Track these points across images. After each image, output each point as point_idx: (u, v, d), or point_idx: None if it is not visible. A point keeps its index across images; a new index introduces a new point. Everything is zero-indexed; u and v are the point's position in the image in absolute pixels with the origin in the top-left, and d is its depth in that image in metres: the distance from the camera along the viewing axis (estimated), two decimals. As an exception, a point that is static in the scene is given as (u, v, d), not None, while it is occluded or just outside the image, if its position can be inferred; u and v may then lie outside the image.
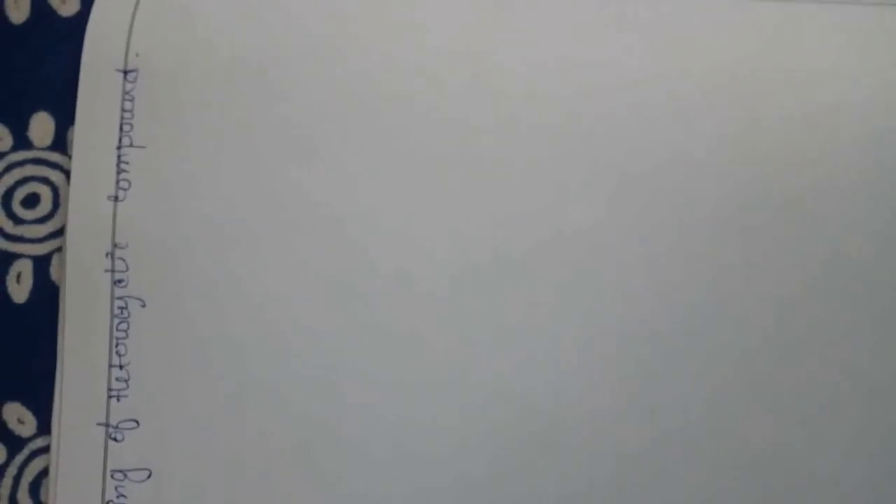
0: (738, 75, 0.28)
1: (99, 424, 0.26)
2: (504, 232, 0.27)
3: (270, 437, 0.26)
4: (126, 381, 0.26)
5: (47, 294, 0.27)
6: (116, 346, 0.26)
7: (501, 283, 0.27)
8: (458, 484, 0.26)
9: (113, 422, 0.26)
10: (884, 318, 0.27)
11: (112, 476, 0.26)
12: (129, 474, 0.26)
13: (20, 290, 0.27)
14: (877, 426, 0.27)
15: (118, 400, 0.26)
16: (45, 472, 0.27)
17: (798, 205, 0.27)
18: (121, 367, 0.26)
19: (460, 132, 0.27)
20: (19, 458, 0.27)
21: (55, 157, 0.28)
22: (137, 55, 0.27)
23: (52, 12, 0.29)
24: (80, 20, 0.28)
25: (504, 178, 0.27)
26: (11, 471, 0.27)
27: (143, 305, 0.26)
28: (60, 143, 0.28)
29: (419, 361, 0.26)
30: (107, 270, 0.27)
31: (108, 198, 0.27)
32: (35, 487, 0.27)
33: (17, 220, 0.28)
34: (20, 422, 0.27)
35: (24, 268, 0.27)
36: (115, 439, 0.26)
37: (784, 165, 0.27)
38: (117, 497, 0.26)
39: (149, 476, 0.26)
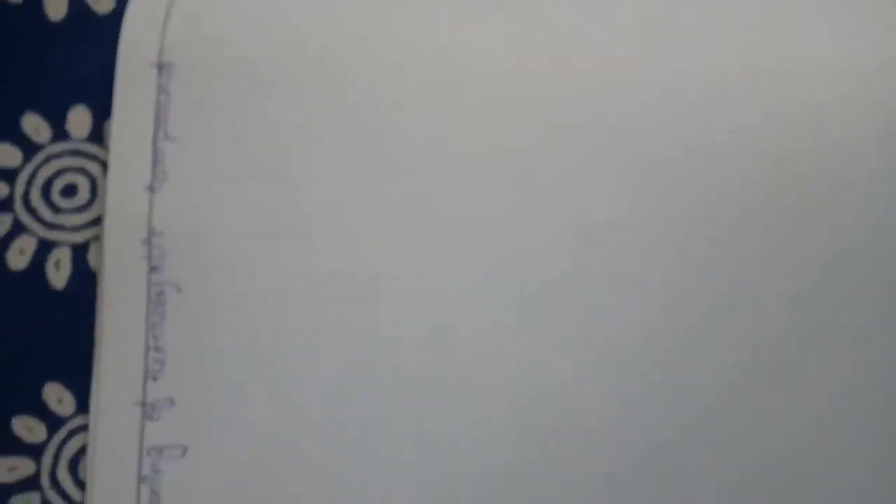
0: (756, 66, 0.29)
1: (136, 404, 0.27)
2: (525, 227, 0.28)
3: (304, 413, 0.27)
4: (162, 362, 0.27)
5: (85, 280, 0.28)
6: (153, 329, 0.28)
7: (523, 276, 0.28)
8: (483, 476, 0.27)
9: (149, 401, 0.27)
10: None
11: (148, 453, 0.27)
12: (165, 451, 0.27)
13: (59, 276, 0.29)
14: (892, 419, 0.27)
15: (154, 380, 0.27)
16: (83, 450, 0.28)
17: (818, 196, 0.28)
18: (157, 349, 0.27)
19: (482, 130, 0.28)
20: (58, 437, 0.28)
21: (92, 148, 0.29)
22: (172, 50, 0.29)
23: (88, 10, 0.30)
24: (116, 17, 0.29)
25: (524, 177, 0.28)
26: (51, 448, 0.28)
27: (179, 291, 0.28)
28: (97, 135, 0.29)
29: (445, 354, 0.27)
30: (143, 258, 0.28)
31: (144, 188, 0.28)
32: (74, 464, 0.28)
33: (56, 210, 0.29)
34: (59, 401, 0.28)
35: (63, 255, 0.29)
36: (151, 418, 0.27)
37: (803, 157, 0.28)
38: (153, 473, 0.27)
39: (184, 453, 0.27)
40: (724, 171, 0.28)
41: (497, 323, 0.28)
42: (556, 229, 0.28)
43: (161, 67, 0.28)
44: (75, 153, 0.29)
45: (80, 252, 0.29)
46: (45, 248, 0.29)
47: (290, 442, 0.27)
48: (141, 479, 0.27)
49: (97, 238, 0.29)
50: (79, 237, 0.29)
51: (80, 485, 0.28)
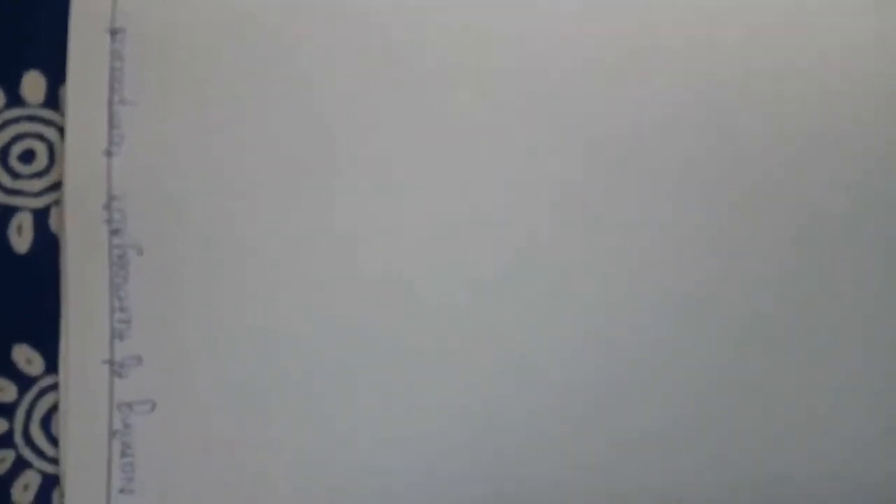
0: (700, 32, 0.29)
1: (104, 362, 0.28)
2: (481, 187, 0.29)
3: (269, 364, 0.28)
4: (128, 322, 0.28)
5: (48, 244, 0.29)
6: (117, 290, 0.28)
7: (478, 240, 0.29)
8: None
9: (117, 359, 0.28)
10: (870, 270, 0.28)
11: (118, 408, 0.28)
12: (135, 406, 0.28)
13: (21, 241, 0.29)
14: (873, 363, 0.28)
15: (121, 339, 0.28)
16: (55, 408, 0.29)
17: (774, 156, 0.29)
18: (122, 309, 0.28)
19: (455, 92, 0.29)
20: (29, 396, 0.29)
21: (48, 114, 0.29)
22: (124, 16, 0.29)
23: (37, -26, 0.30)
24: (66, -19, 0.29)
25: (501, 138, 0.29)
26: (23, 407, 0.29)
27: (141, 253, 0.28)
28: (53, 100, 0.29)
29: (409, 308, 0.29)
30: (104, 221, 0.28)
31: (102, 152, 0.29)
32: (46, 422, 0.29)
33: (15, 175, 0.29)
34: (28, 362, 0.29)
35: (25, 220, 0.29)
36: (119, 375, 0.28)
37: (764, 116, 0.29)
38: (124, 427, 0.28)
39: (153, 408, 0.28)
40: (707, 130, 0.29)
41: (466, 282, 0.28)
42: (534, 190, 0.29)
43: (114, 33, 0.29)
44: (32, 119, 0.29)
45: (41, 216, 0.29)
46: (6, 213, 0.29)
47: (256, 392, 0.28)
48: (112, 434, 0.28)
49: (58, 203, 0.29)
50: (39, 202, 0.29)
51: (54, 441, 0.29)
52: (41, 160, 0.29)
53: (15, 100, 0.29)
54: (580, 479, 0.28)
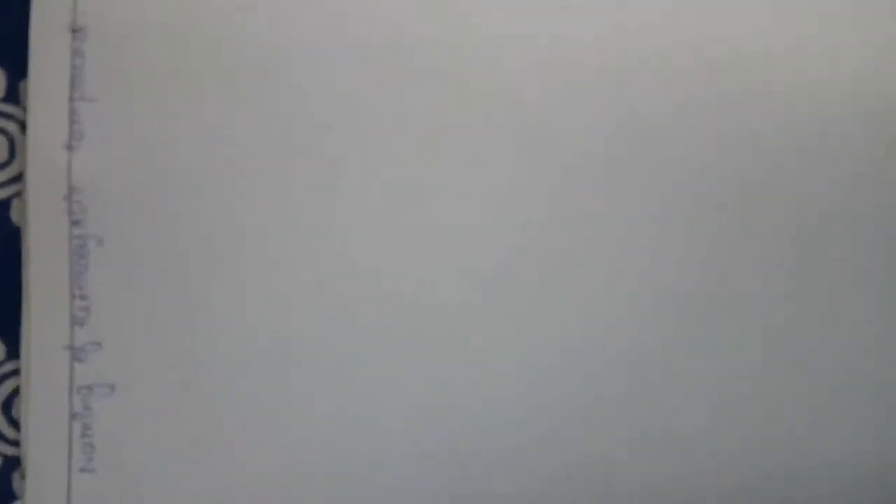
0: (697, 33, 0.29)
1: (64, 348, 0.29)
2: (480, 186, 0.29)
3: (222, 350, 0.30)
4: (87, 309, 0.30)
5: (9, 235, 0.30)
6: (77, 279, 0.30)
7: (478, 238, 0.29)
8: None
9: (77, 345, 0.29)
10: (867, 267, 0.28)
11: (78, 392, 0.29)
12: (95, 389, 0.29)
13: (-17, 231, 0.30)
14: (873, 363, 0.28)
15: (81, 326, 0.29)
16: (16, 392, 0.30)
17: (774, 156, 0.29)
18: (82, 297, 0.30)
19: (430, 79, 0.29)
20: (-10, 381, 0.30)
21: (9, 108, 0.30)
22: (85, 15, 0.30)
23: (-2, -28, 0.31)
24: (28, -22, 0.30)
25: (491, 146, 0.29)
26: (-16, 392, 0.30)
27: (100, 243, 0.30)
28: (13, 95, 0.30)
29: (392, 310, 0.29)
30: (64, 213, 0.30)
31: (63, 146, 0.30)
32: (7, 406, 0.30)
33: (-23, 168, 0.30)
34: (-11, 348, 0.30)
35: (-14, 211, 0.30)
36: (79, 360, 0.29)
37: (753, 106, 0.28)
38: (84, 409, 0.29)
39: (112, 391, 0.30)
40: (707, 129, 0.28)
41: (476, 280, 0.29)
42: (534, 188, 0.29)
43: (75, 31, 0.30)
44: (-8, 113, 0.30)
45: (2, 208, 0.30)
46: (-33, 204, 0.30)
47: (210, 374, 0.30)
48: (73, 416, 0.29)
49: (19, 195, 0.30)
50: (1, 194, 0.30)
51: (15, 424, 0.30)
52: (2, 153, 0.30)
53: (-24, 94, 0.30)
54: (580, 478, 0.29)
